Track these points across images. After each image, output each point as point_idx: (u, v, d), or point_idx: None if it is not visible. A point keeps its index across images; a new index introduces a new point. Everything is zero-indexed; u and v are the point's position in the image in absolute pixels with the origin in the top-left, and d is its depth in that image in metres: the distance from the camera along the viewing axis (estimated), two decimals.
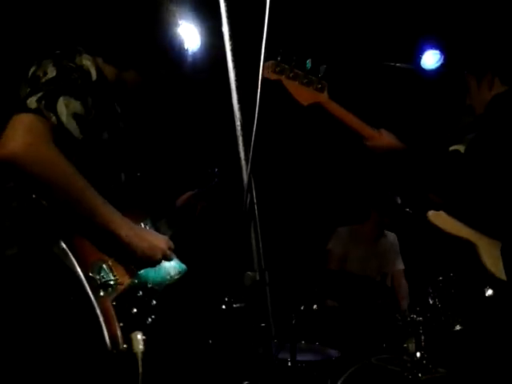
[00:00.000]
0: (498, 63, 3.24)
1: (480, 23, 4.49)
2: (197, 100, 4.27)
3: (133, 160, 2.26)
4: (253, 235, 1.53)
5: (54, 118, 1.84)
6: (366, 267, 4.54)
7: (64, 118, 1.86)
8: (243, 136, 1.60)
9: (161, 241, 2.13)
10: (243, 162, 1.59)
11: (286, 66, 2.73)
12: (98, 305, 1.85)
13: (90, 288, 1.86)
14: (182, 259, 2.23)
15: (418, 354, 3.02)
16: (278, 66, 2.73)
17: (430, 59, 5.05)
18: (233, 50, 1.67)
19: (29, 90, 1.88)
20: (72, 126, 1.88)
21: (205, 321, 3.45)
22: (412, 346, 3.08)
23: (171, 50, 2.23)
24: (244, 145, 1.59)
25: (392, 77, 5.09)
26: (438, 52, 5.03)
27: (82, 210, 1.88)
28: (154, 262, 2.09)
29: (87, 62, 2.00)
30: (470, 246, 2.79)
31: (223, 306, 3.13)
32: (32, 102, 1.83)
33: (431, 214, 2.89)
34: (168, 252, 2.14)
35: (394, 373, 3.08)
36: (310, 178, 5.17)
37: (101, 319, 1.84)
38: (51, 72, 1.91)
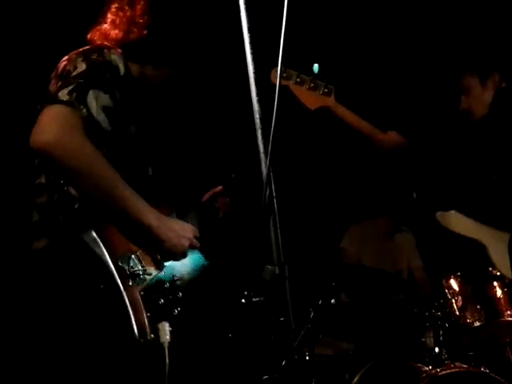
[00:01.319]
0: (504, 61, 3.18)
1: (484, 21, 4.42)
2: (215, 94, 4.26)
3: (159, 154, 2.26)
4: (272, 229, 1.52)
5: (84, 110, 1.86)
6: (380, 263, 4.48)
7: (94, 111, 1.89)
8: (262, 129, 1.58)
9: (187, 229, 2.12)
10: (262, 155, 1.57)
11: (293, 72, 2.75)
12: (127, 294, 1.85)
13: (119, 277, 1.86)
14: (203, 253, 2.23)
15: (437, 349, 2.99)
16: (285, 72, 2.74)
17: None
18: (251, 43, 1.65)
19: (60, 83, 1.90)
20: (101, 118, 1.92)
21: (224, 314, 3.45)
22: (430, 341, 3.05)
23: (193, 46, 2.22)
24: (263, 138, 1.58)
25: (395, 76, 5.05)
26: None
27: (113, 200, 1.89)
28: (181, 252, 2.07)
29: (115, 56, 2.02)
30: (480, 247, 2.78)
31: (243, 300, 3.13)
32: (64, 94, 1.85)
33: (440, 214, 2.86)
34: (194, 241, 2.13)
35: (412, 367, 3.06)
36: (328, 170, 5.14)
37: (129, 308, 1.84)
38: (81, 66, 1.94)
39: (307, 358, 3.18)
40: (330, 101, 2.80)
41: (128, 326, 1.83)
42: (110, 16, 2.15)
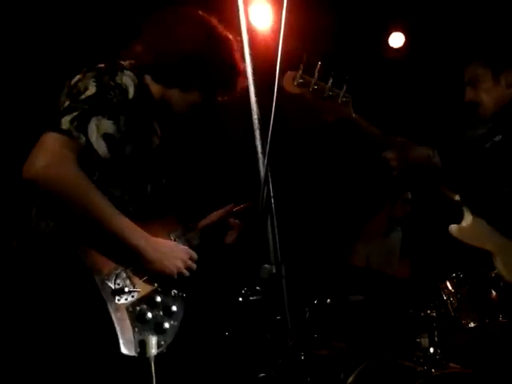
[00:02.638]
0: None
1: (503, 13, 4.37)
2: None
3: (163, 171, 2.27)
4: (269, 228, 1.53)
5: (83, 139, 1.89)
6: (377, 262, 4.51)
7: (93, 139, 1.91)
8: (260, 129, 1.59)
9: (179, 251, 2.14)
10: (260, 156, 1.58)
11: (310, 78, 2.48)
12: (113, 310, 1.87)
13: (104, 293, 1.88)
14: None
15: (432, 350, 2.99)
16: (302, 78, 2.48)
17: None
18: (250, 45, 1.66)
19: (67, 103, 1.95)
20: (101, 146, 1.93)
21: (221, 313, 3.46)
22: (425, 341, 3.06)
23: (220, 72, 2.23)
24: (261, 138, 1.58)
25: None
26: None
27: (102, 225, 1.92)
28: (173, 273, 2.08)
29: (127, 79, 2.03)
30: (489, 255, 2.77)
31: (240, 299, 3.13)
32: (66, 121, 1.89)
33: (453, 228, 2.83)
34: (189, 262, 2.15)
35: (407, 368, 3.06)
36: (325, 170, 5.15)
37: (115, 323, 1.86)
38: (91, 89, 1.96)
39: (302, 357, 3.19)
40: (350, 111, 2.59)
41: (113, 341, 1.85)
42: (145, 37, 2.19)
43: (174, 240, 2.23)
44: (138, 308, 1.96)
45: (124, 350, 1.86)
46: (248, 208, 2.60)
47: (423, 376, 2.87)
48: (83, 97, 1.95)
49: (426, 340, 3.02)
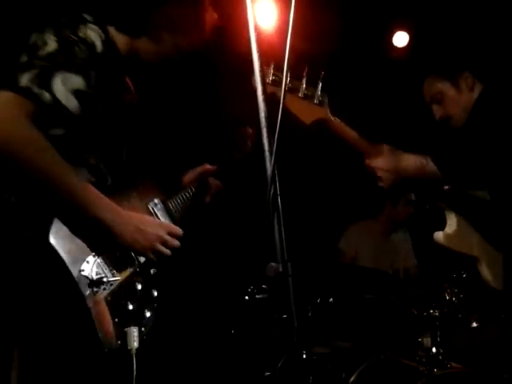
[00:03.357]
0: (475, 59, 2.94)
1: (450, 19, 4.34)
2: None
3: (140, 135, 2.12)
4: (276, 226, 1.52)
5: (47, 97, 1.73)
6: (378, 263, 4.51)
7: (61, 95, 1.75)
8: (267, 127, 1.59)
9: (155, 226, 1.95)
10: (267, 154, 1.57)
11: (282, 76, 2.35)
12: (90, 302, 1.77)
13: (81, 285, 1.77)
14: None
15: (434, 349, 2.99)
16: (274, 76, 2.30)
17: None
18: (257, 41, 1.65)
19: (26, 59, 1.78)
20: (70, 102, 1.76)
21: (228, 311, 3.45)
22: (427, 341, 3.06)
23: (190, 17, 2.06)
24: (268, 136, 1.58)
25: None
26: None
27: (60, 192, 1.75)
28: (145, 248, 1.91)
29: (91, 32, 1.86)
30: (474, 260, 2.75)
31: (246, 297, 3.11)
32: (24, 79, 1.72)
33: (438, 235, 2.82)
34: (166, 238, 1.97)
35: (409, 367, 3.06)
36: (332, 169, 5.15)
37: (93, 316, 1.76)
38: (51, 44, 1.79)
39: (304, 356, 3.19)
40: (326, 112, 2.40)
41: (92, 335, 1.75)
42: None
43: (153, 211, 2.08)
44: (117, 299, 1.85)
45: (105, 345, 1.77)
46: (223, 166, 2.47)
47: (425, 376, 2.87)
48: (43, 53, 1.77)
49: (429, 340, 3.02)
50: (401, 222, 4.69)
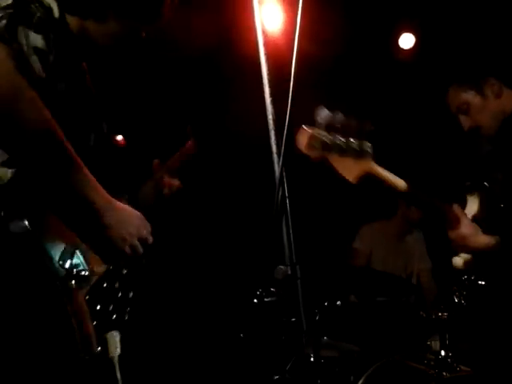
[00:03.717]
0: (499, 64, 2.84)
1: (471, 26, 4.32)
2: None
3: (102, 116, 1.95)
4: (284, 229, 1.52)
5: (16, 46, 1.52)
6: (391, 265, 4.47)
7: (25, 49, 1.54)
8: (275, 130, 1.59)
9: (137, 219, 1.71)
10: (275, 156, 1.58)
11: (326, 134, 1.93)
12: (69, 300, 1.57)
13: (60, 279, 1.56)
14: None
15: (443, 352, 2.98)
16: (324, 137, 1.94)
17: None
18: (265, 44, 1.66)
19: None
20: (34, 60, 1.56)
21: (236, 314, 3.44)
22: (436, 344, 3.04)
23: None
24: (276, 138, 1.58)
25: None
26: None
27: (56, 165, 1.51)
28: (123, 245, 1.65)
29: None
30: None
31: (255, 300, 3.11)
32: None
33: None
34: (144, 233, 1.72)
35: (418, 370, 3.05)
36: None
37: (72, 318, 1.56)
38: (6, 1, 1.57)
39: (311, 359, 3.18)
40: (371, 163, 2.08)
41: (71, 340, 1.55)
42: None
43: (127, 202, 1.81)
44: (97, 295, 1.66)
45: (83, 351, 1.57)
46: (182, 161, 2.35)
47: (434, 379, 2.86)
48: (3, 4, 1.56)
49: (437, 343, 3.00)
50: (415, 223, 4.64)
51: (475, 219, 2.54)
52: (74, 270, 1.60)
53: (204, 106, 4.00)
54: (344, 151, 1.98)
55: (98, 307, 1.67)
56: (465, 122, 2.76)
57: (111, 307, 1.72)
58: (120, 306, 1.76)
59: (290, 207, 1.54)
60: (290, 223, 1.53)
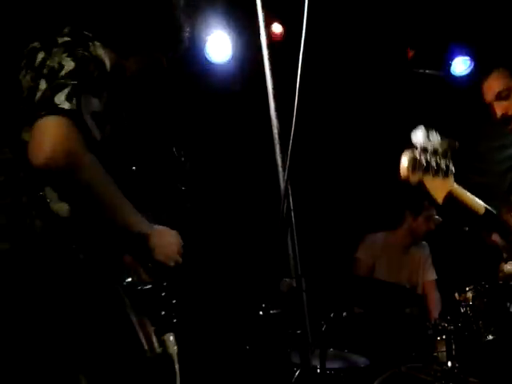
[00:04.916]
0: None
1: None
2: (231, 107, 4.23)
3: (140, 149, 2.16)
4: (289, 242, 1.53)
5: (77, 116, 1.67)
6: (395, 276, 4.43)
7: (86, 117, 1.70)
8: (280, 143, 1.60)
9: (174, 236, 1.99)
10: (280, 169, 1.59)
11: (424, 155, 1.93)
12: (132, 311, 1.79)
13: (124, 292, 1.80)
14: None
15: (449, 363, 2.98)
16: (421, 159, 1.93)
17: (460, 66, 4.96)
18: (270, 59, 1.67)
19: (44, 85, 1.71)
20: (92, 125, 1.72)
21: (242, 327, 3.44)
22: (443, 355, 3.04)
23: (174, 36, 2.06)
24: (281, 152, 1.60)
25: (421, 84, 5.03)
26: (468, 58, 4.93)
27: (113, 212, 1.80)
28: (169, 260, 1.94)
29: (101, 50, 1.82)
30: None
31: (260, 312, 3.11)
32: (62, 100, 1.65)
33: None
34: (180, 248, 2.00)
35: (425, 382, 3.04)
36: (346, 182, 5.12)
37: (136, 325, 1.79)
38: (69, 64, 1.72)
39: (318, 371, 3.18)
40: (452, 181, 2.02)
41: (137, 343, 1.78)
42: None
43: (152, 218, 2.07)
44: (150, 304, 1.94)
45: (148, 351, 1.80)
46: None
47: None
48: (64, 73, 1.70)
49: (444, 354, 3.00)
50: (420, 237, 4.57)
51: None
52: (132, 285, 1.90)
53: (209, 121, 4.02)
54: (436, 172, 1.96)
55: (154, 314, 1.94)
56: (500, 108, 2.67)
57: (164, 313, 1.99)
58: (169, 312, 2.01)
59: (295, 220, 1.55)
60: (295, 236, 1.54)
